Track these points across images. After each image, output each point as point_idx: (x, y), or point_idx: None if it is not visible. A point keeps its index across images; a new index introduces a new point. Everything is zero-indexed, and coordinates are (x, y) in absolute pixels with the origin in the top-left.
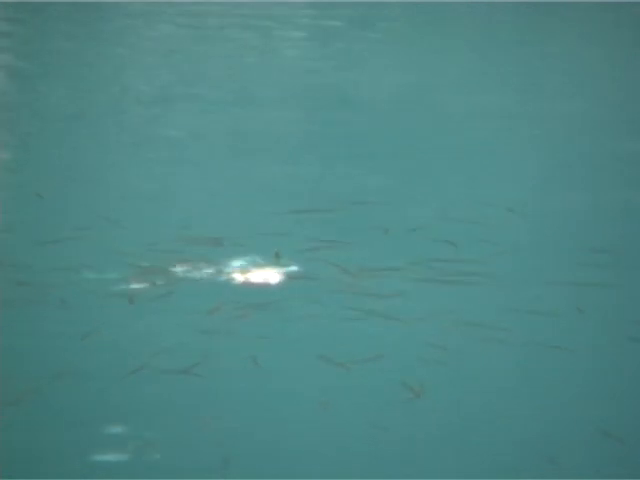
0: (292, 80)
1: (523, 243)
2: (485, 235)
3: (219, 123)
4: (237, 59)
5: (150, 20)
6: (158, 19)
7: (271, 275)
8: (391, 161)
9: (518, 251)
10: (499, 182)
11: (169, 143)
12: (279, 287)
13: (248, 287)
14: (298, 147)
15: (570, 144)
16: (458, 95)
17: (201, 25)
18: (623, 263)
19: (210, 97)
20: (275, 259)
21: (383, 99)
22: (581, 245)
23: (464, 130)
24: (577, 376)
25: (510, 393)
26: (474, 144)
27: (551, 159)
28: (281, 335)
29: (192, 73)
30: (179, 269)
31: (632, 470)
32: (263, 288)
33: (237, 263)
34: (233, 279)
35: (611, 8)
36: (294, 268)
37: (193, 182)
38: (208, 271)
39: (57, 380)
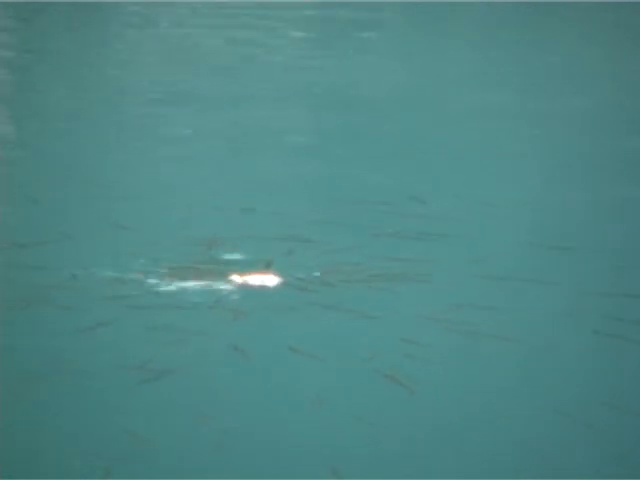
0: (294, 79)
1: (522, 241)
2: (483, 232)
3: (220, 122)
4: (237, 58)
5: (152, 19)
6: (160, 19)
7: (265, 277)
8: (392, 160)
9: (517, 249)
10: (500, 180)
11: (170, 142)
12: (274, 288)
13: (244, 288)
14: (299, 146)
15: (570, 142)
16: (458, 94)
17: (201, 24)
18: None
19: (211, 96)
20: (266, 268)
21: (385, 98)
22: (581, 245)
23: (464, 129)
24: (544, 370)
25: (493, 389)
26: (475, 143)
27: (551, 157)
28: (274, 335)
29: (193, 72)
30: (178, 269)
31: (630, 469)
32: (257, 290)
33: (233, 264)
34: (229, 280)
35: (611, 8)
36: (289, 270)
37: (193, 182)
38: (204, 272)
39: (57, 381)
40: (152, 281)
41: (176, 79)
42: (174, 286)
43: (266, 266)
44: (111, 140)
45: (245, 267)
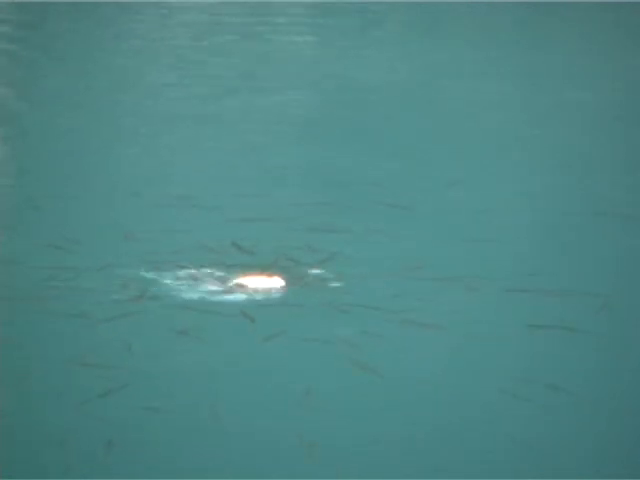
0: (301, 73)
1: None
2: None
3: (225, 116)
4: (239, 54)
5: (164, 18)
6: (174, 17)
7: (265, 278)
8: (391, 155)
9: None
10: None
11: (176, 133)
12: (278, 289)
13: (245, 289)
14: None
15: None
16: (458, 92)
17: (205, 21)
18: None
19: (217, 89)
20: (235, 250)
21: (386, 95)
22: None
23: (465, 124)
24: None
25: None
26: (474, 137)
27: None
28: (263, 334)
29: (195, 69)
30: (178, 270)
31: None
32: (256, 290)
33: (233, 265)
34: (230, 281)
35: (611, 8)
36: (274, 270)
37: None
38: (206, 272)
39: (57, 380)
40: (152, 281)
41: (180, 76)
42: (175, 287)
43: (234, 247)
44: (111, 140)
45: (245, 267)
